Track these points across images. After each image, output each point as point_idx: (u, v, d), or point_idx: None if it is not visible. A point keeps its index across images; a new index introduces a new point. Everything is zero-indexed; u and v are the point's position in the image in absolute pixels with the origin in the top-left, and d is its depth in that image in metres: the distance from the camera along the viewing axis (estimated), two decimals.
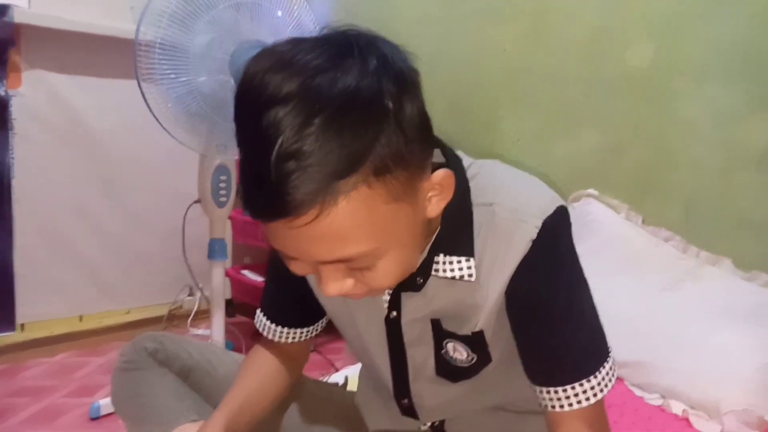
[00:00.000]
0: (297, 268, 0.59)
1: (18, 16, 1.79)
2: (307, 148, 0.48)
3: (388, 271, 0.58)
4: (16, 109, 1.87)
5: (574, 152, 1.79)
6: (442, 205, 0.61)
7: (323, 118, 0.48)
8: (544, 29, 1.84)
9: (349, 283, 0.58)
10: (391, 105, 0.51)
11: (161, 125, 1.45)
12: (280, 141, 0.48)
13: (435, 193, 0.60)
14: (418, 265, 0.66)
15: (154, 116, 1.44)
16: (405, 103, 0.53)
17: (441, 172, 0.59)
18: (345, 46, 0.53)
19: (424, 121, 0.56)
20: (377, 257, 0.56)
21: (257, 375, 0.83)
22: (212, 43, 1.43)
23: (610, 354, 0.67)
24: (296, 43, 0.54)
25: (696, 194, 1.56)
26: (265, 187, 0.50)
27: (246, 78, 0.52)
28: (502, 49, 1.92)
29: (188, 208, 1.76)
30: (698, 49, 1.54)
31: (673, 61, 1.59)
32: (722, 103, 1.50)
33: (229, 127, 1.64)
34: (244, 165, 0.53)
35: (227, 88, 1.43)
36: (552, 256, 0.64)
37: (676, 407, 1.24)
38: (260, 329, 0.85)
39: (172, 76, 1.41)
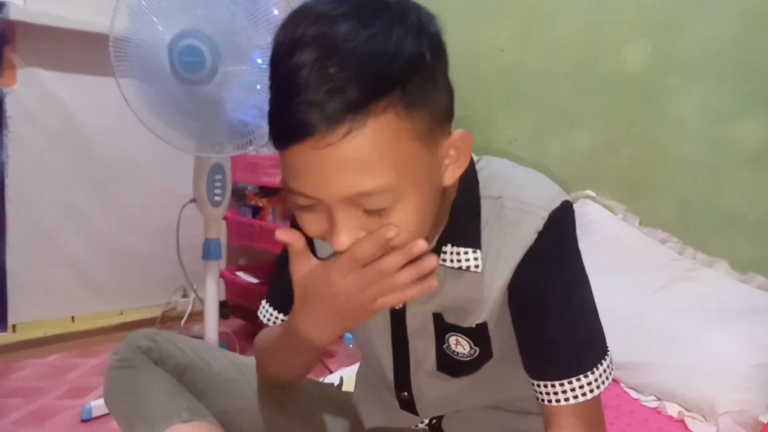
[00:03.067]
0: (311, 223, 0.58)
1: (14, 14, 1.78)
2: (343, 66, 0.50)
3: (403, 220, 0.56)
4: (10, 108, 1.86)
5: (568, 151, 1.80)
6: (458, 173, 0.62)
7: (354, 46, 0.51)
8: (537, 28, 1.85)
9: (364, 232, 0.56)
10: (426, 52, 0.54)
11: (147, 127, 1.45)
12: (308, 67, 0.51)
13: (451, 158, 0.61)
14: (428, 240, 0.65)
15: (137, 116, 1.44)
16: (437, 58, 0.56)
17: (460, 131, 0.61)
18: (381, 2, 0.55)
19: (449, 83, 0.59)
20: (396, 198, 0.55)
21: None
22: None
23: (608, 352, 0.68)
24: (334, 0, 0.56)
25: (689, 192, 1.57)
26: (294, 107, 0.51)
27: (278, 30, 0.56)
28: (499, 50, 1.92)
29: (183, 208, 1.75)
30: (691, 47, 1.56)
31: (666, 60, 1.60)
32: (715, 101, 1.52)
33: (224, 124, 1.62)
34: (275, 98, 0.54)
35: (223, 83, 1.42)
36: (556, 248, 0.65)
37: (672, 409, 1.24)
38: (264, 320, 0.83)
39: (159, 73, 1.40)
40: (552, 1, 1.82)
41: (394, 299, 0.60)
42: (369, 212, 0.56)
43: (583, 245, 0.67)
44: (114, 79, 1.44)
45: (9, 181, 1.87)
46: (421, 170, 0.56)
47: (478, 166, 0.70)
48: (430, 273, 0.59)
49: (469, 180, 0.68)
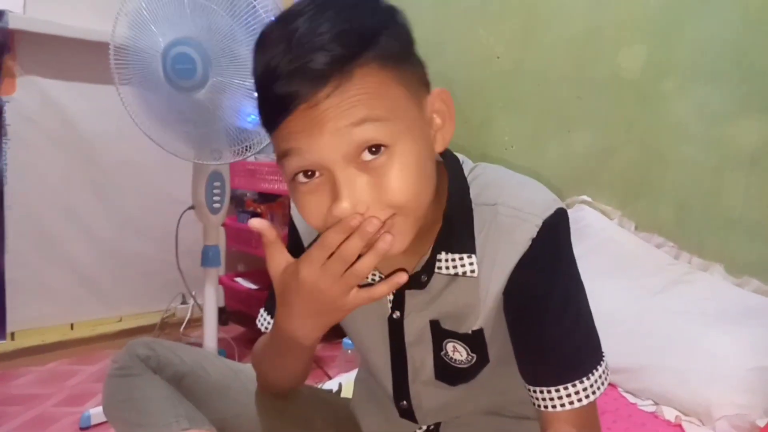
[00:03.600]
0: (313, 202, 0.59)
1: (13, 22, 1.80)
2: (322, 30, 0.55)
3: (403, 168, 0.58)
4: (9, 115, 1.86)
5: (566, 154, 1.81)
6: (448, 138, 0.65)
7: (333, 12, 0.56)
8: (534, 31, 1.86)
9: (365, 196, 0.57)
10: (397, 18, 0.61)
11: (146, 134, 1.46)
12: (298, 31, 0.56)
13: (438, 126, 0.64)
14: (419, 245, 0.67)
15: (137, 123, 1.45)
16: (408, 28, 0.62)
17: (438, 89, 0.64)
18: None
19: (415, 52, 0.64)
20: (391, 138, 0.57)
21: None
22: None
23: (603, 357, 0.68)
24: None
25: (687, 194, 1.57)
26: (286, 76, 0.55)
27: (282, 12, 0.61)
28: (496, 56, 1.93)
29: (182, 215, 1.76)
30: (688, 50, 1.56)
31: (664, 63, 1.61)
32: (713, 103, 1.52)
33: (222, 131, 1.63)
34: (264, 76, 0.58)
35: (217, 91, 1.43)
36: (550, 255, 0.65)
37: (669, 413, 1.24)
38: (263, 328, 0.84)
39: (156, 81, 1.42)
40: (549, 6, 1.83)
41: (364, 297, 0.61)
42: (368, 168, 0.57)
43: (578, 250, 0.67)
44: (112, 86, 1.45)
45: (8, 189, 1.87)
46: (411, 118, 0.60)
47: (473, 173, 0.70)
48: (399, 272, 0.61)
49: (459, 186, 0.69)
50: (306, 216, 0.61)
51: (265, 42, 0.59)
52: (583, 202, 1.74)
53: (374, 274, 0.72)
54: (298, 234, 0.79)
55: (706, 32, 1.52)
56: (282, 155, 0.59)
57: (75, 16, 1.94)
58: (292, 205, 0.67)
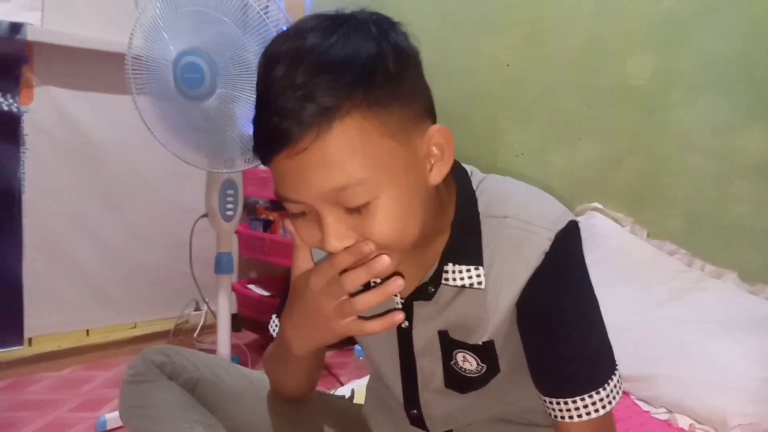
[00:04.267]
0: (305, 230, 0.61)
1: (31, 34, 1.83)
2: (301, 80, 0.54)
3: (385, 216, 0.58)
4: (27, 125, 1.90)
5: (573, 163, 1.81)
6: (445, 171, 0.63)
7: (315, 56, 0.55)
8: (541, 41, 1.86)
9: (351, 236, 0.59)
10: (385, 55, 0.57)
11: (160, 143, 1.48)
12: (277, 81, 0.55)
13: (436, 157, 0.62)
14: (427, 257, 0.68)
15: (152, 133, 1.47)
16: (400, 59, 0.58)
17: (436, 126, 0.62)
18: (345, 15, 0.60)
19: (422, 83, 0.62)
20: (373, 192, 0.57)
21: None
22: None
23: (617, 368, 0.68)
24: (303, 18, 0.61)
25: (695, 204, 1.57)
26: (267, 121, 0.56)
27: (262, 54, 0.60)
28: (505, 65, 1.94)
29: (195, 222, 1.78)
30: (695, 60, 1.56)
31: (671, 72, 1.61)
32: (719, 113, 1.52)
33: (235, 140, 1.64)
34: (255, 116, 0.59)
35: (227, 99, 1.46)
36: (564, 268, 0.65)
37: (683, 421, 1.23)
38: (275, 334, 0.85)
39: (168, 90, 1.44)
40: (556, 15, 1.83)
41: (356, 328, 0.62)
42: (351, 211, 0.58)
43: (590, 257, 0.67)
44: (126, 96, 1.47)
45: (26, 197, 1.91)
46: (396, 166, 0.58)
47: (482, 185, 0.70)
48: (395, 278, 0.61)
49: (467, 198, 0.68)
50: (300, 238, 0.64)
51: (258, 75, 0.59)
52: (595, 209, 1.73)
53: (374, 282, 0.72)
54: None
55: (714, 42, 1.52)
56: (275, 185, 0.60)
57: (90, 27, 1.97)
58: None
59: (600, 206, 1.73)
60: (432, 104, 0.63)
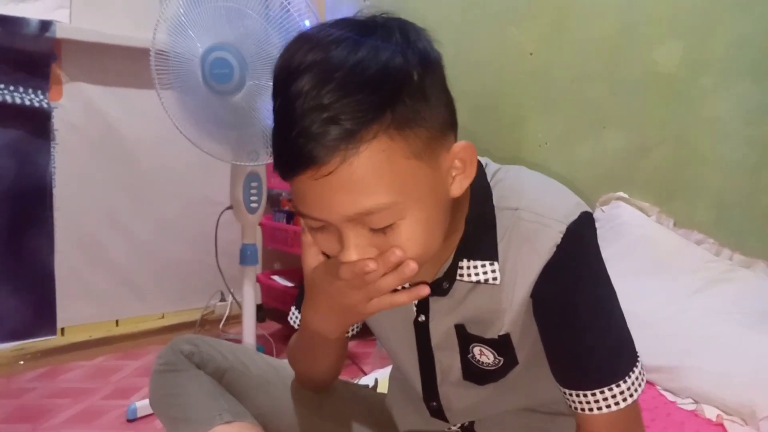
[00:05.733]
0: (324, 241, 0.61)
1: (60, 32, 1.87)
2: (328, 101, 0.52)
3: (410, 236, 0.57)
4: (57, 121, 1.94)
5: (599, 154, 1.78)
6: (466, 183, 0.63)
7: (343, 75, 0.52)
8: (567, 29, 1.84)
9: (371, 252, 0.58)
10: (412, 70, 0.55)
11: (186, 137, 1.50)
12: (302, 98, 0.53)
13: (458, 170, 0.62)
14: (445, 255, 0.68)
15: (177, 127, 1.49)
16: (427, 72, 0.56)
17: (461, 143, 0.61)
18: (369, 23, 0.58)
19: (446, 95, 0.60)
20: (398, 215, 0.56)
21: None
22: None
23: (638, 359, 0.67)
24: (324, 23, 0.59)
25: (725, 193, 1.54)
26: (291, 141, 0.53)
27: (279, 58, 0.58)
28: (528, 53, 1.92)
29: (220, 215, 1.81)
30: (725, 45, 1.52)
31: (701, 59, 1.57)
32: (751, 100, 1.48)
33: (259, 133, 1.67)
34: (275, 130, 0.57)
35: (254, 93, 1.47)
36: (577, 260, 0.64)
37: (710, 412, 1.22)
38: (294, 324, 0.87)
39: (195, 85, 1.46)
40: (581, 3, 1.80)
41: (386, 303, 0.63)
42: (375, 230, 0.57)
43: (615, 248, 0.67)
44: (153, 91, 1.49)
45: (57, 191, 1.96)
46: (422, 186, 0.57)
47: (496, 177, 0.69)
48: (421, 285, 0.62)
49: (482, 192, 0.68)
50: (320, 248, 0.63)
51: (277, 83, 0.57)
52: (620, 198, 1.71)
53: (404, 287, 0.73)
54: None
55: (745, 27, 1.48)
56: (294, 200, 0.59)
57: (118, 24, 2.00)
58: None
59: (625, 195, 1.70)
60: (454, 114, 0.62)
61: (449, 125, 0.61)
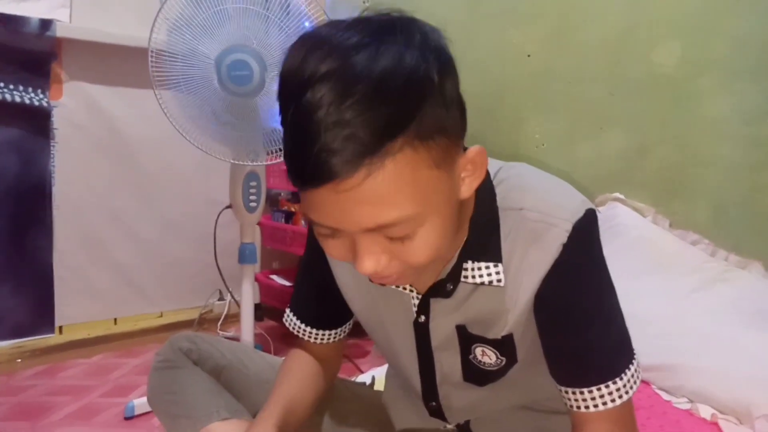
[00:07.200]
0: (334, 248, 0.59)
1: (60, 31, 1.88)
2: (351, 116, 0.49)
3: (426, 243, 0.57)
4: (57, 120, 1.95)
5: (599, 154, 1.79)
6: (475, 185, 0.62)
7: (365, 87, 0.50)
8: (567, 30, 1.84)
9: (385, 259, 0.57)
10: (435, 76, 0.53)
11: (184, 136, 1.50)
12: (322, 110, 0.50)
13: (468, 172, 0.61)
14: (449, 255, 0.67)
15: (174, 126, 1.49)
16: (446, 76, 0.55)
17: (475, 148, 0.61)
18: (386, 24, 0.55)
19: (460, 98, 0.59)
20: (418, 224, 0.55)
21: (297, 378, 0.84)
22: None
23: (635, 356, 0.67)
24: (334, 24, 0.56)
25: (725, 194, 1.54)
26: (312, 156, 0.51)
27: (287, 62, 0.54)
28: (526, 54, 1.92)
29: (219, 214, 1.81)
30: (725, 46, 1.53)
31: (700, 60, 1.58)
32: (751, 100, 1.48)
33: (259, 134, 1.66)
34: (291, 141, 0.54)
35: (273, 95, 1.47)
36: (583, 259, 0.64)
37: (705, 411, 1.22)
38: (289, 327, 0.88)
39: (204, 86, 1.46)
40: (582, 4, 1.80)
41: None
42: (391, 239, 0.56)
43: (611, 248, 0.67)
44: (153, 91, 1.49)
45: (56, 190, 1.96)
46: (441, 195, 0.57)
47: (499, 176, 0.69)
48: None
49: (486, 193, 0.67)
50: (326, 251, 0.62)
51: (289, 90, 0.54)
52: (616, 199, 1.72)
53: (404, 288, 0.73)
54: None
55: (744, 28, 1.49)
56: (306, 209, 0.57)
57: (118, 23, 2.01)
58: None
59: (621, 196, 1.71)
60: (465, 117, 0.60)
61: (463, 129, 0.60)
